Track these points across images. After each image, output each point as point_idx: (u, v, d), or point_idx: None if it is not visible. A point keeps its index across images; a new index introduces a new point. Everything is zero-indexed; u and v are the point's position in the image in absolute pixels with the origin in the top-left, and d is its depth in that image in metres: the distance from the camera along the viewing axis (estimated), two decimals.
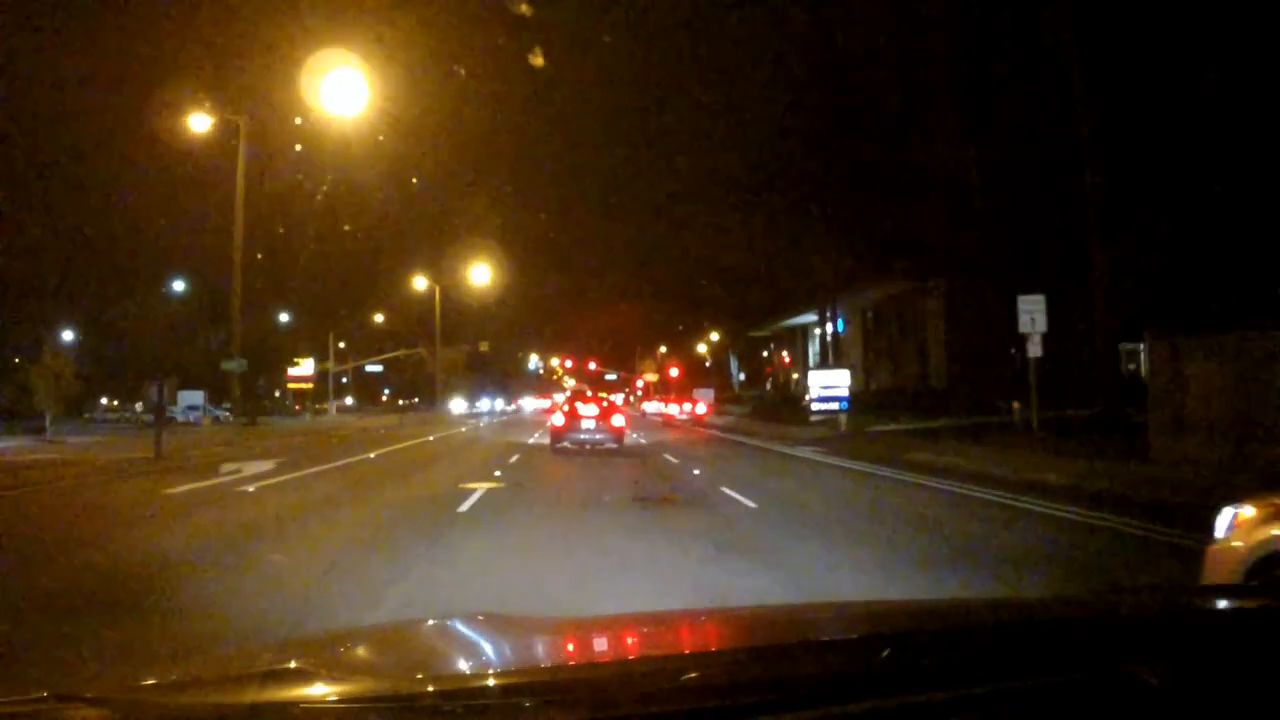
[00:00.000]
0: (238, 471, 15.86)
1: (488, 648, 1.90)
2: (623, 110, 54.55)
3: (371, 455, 20.27)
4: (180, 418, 52.86)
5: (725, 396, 57.66)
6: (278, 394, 66.78)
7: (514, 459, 18.73)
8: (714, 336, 69.89)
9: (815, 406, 35.63)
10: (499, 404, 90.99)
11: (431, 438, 28.51)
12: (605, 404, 23.58)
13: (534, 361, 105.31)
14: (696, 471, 16.32)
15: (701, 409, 56.64)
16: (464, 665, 1.76)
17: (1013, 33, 29.68)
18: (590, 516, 10.12)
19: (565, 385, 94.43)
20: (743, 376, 60.80)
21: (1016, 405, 22.05)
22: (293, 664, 1.58)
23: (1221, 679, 1.57)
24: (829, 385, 35.82)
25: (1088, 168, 23.98)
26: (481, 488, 12.54)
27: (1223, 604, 2.31)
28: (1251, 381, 13.11)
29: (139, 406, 51.81)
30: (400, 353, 60.28)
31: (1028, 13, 28.38)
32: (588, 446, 20.99)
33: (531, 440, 27.68)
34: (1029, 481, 13.19)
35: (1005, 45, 30.48)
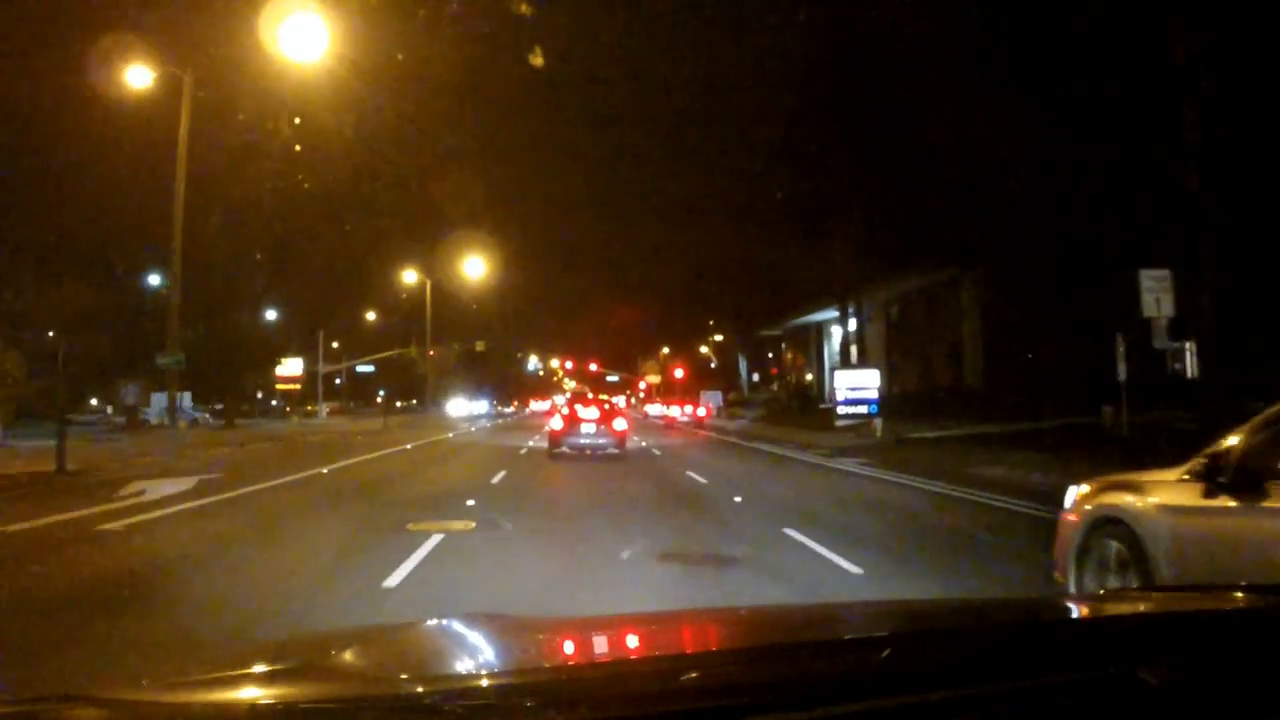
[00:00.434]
0: (141, 494, 12.17)
1: (488, 648, 1.85)
2: (628, 99, 50.55)
3: (324, 470, 16.15)
4: (154, 420, 48.59)
5: (734, 399, 53.59)
6: (258, 395, 62.48)
7: (499, 477, 14.68)
8: (718, 337, 65.88)
9: (841, 410, 31.59)
10: (497, 405, 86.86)
11: (408, 446, 24.34)
12: (607, 407, 21.81)
13: (533, 362, 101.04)
14: (738, 499, 12.03)
15: (702, 412, 53.09)
16: (464, 665, 1.73)
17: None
18: (601, 598, 5.97)
19: (565, 387, 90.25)
20: (756, 378, 56.69)
21: (1109, 410, 17.97)
22: (293, 664, 1.61)
23: (1221, 679, 1.54)
24: (856, 386, 31.85)
25: (1192, 166, 20.01)
26: (438, 534, 8.37)
27: (1223, 604, 2.13)
28: None
29: (109, 409, 47.56)
30: (392, 352, 56.07)
31: None
32: (588, 452, 19.34)
33: (527, 446, 23.92)
34: None
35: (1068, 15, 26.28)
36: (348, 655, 1.77)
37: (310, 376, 60.74)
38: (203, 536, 8.84)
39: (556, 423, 20.05)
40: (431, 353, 59.30)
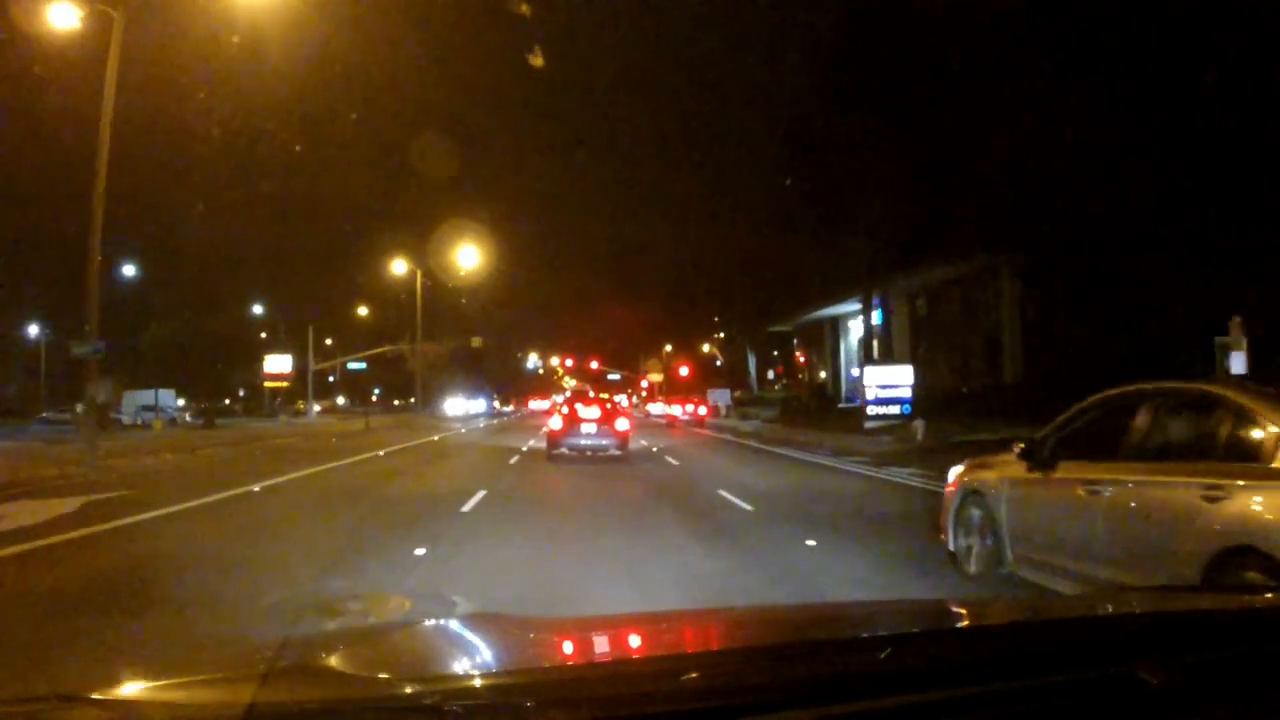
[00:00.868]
0: None
1: (488, 648, 1.79)
2: (631, 91, 46.83)
3: (256, 488, 12.49)
4: (128, 419, 44.96)
5: (743, 398, 49.91)
6: (242, 393, 58.71)
7: (474, 501, 10.97)
8: (720, 335, 62.21)
9: (872, 410, 27.98)
10: (496, 404, 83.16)
11: (381, 453, 20.59)
12: (608, 406, 20.41)
13: (533, 361, 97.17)
14: (811, 543, 7.86)
15: (703, 411, 49.94)
16: (464, 665, 1.67)
17: None
18: None
19: (565, 385, 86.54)
20: (771, 375, 53.04)
21: None
22: (292, 664, 1.53)
23: (1221, 679, 1.54)
24: (888, 384, 28.28)
25: None
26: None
27: (1223, 604, 2.17)
28: None
29: (78, 407, 43.86)
30: (383, 349, 52.33)
31: None
32: (588, 453, 18.07)
33: (521, 451, 20.60)
34: None
35: None
36: (347, 655, 1.72)
37: (301, 374, 57.04)
38: None
39: (556, 422, 18.69)
40: (425, 349, 55.61)
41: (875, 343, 34.78)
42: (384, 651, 1.80)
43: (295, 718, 1.27)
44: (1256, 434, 4.46)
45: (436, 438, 27.67)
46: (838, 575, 6.66)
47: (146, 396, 56.81)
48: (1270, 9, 18.34)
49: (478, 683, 1.45)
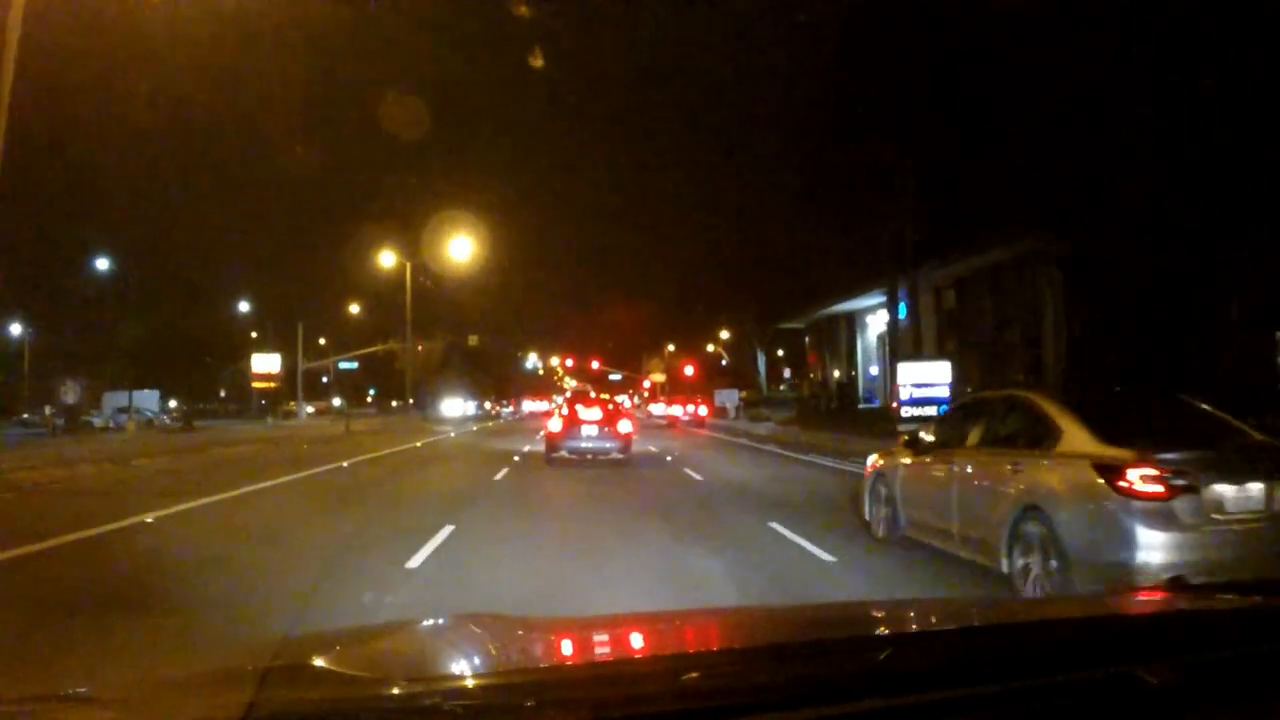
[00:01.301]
0: None
1: (488, 648, 1.78)
2: (634, 82, 43.64)
3: (149, 519, 9.18)
4: (99, 421, 41.66)
5: (752, 398, 46.63)
6: (222, 393, 55.32)
7: (438, 541, 7.68)
8: (724, 334, 58.94)
9: (906, 411, 24.63)
10: (495, 405, 79.82)
11: (345, 464, 17.20)
12: (610, 407, 18.86)
13: (533, 360, 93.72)
14: None
15: (704, 411, 46.99)
16: (464, 665, 1.65)
17: None
18: None
19: (565, 386, 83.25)
20: (788, 374, 49.72)
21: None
22: (292, 663, 1.49)
23: (1221, 679, 1.52)
24: (923, 383, 24.86)
25: None
26: None
27: (1222, 604, 2.13)
28: None
29: (47, 409, 40.54)
30: (376, 348, 49.01)
31: None
32: (589, 456, 16.97)
33: (512, 461, 17.61)
34: None
35: None
36: (347, 655, 1.71)
37: (292, 374, 53.70)
38: None
39: (555, 424, 17.37)
40: (421, 347, 52.38)
41: (899, 338, 31.56)
42: (384, 651, 1.79)
43: (295, 718, 1.25)
44: (1043, 427, 6.11)
45: (420, 444, 24.35)
46: None
47: (123, 398, 53.61)
48: None
49: (478, 683, 1.43)
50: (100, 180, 35.89)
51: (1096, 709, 1.44)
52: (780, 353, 56.27)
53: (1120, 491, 5.21)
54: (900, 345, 31.35)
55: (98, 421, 41.58)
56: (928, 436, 7.47)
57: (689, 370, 62.31)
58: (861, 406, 35.81)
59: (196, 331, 45.91)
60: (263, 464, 16.84)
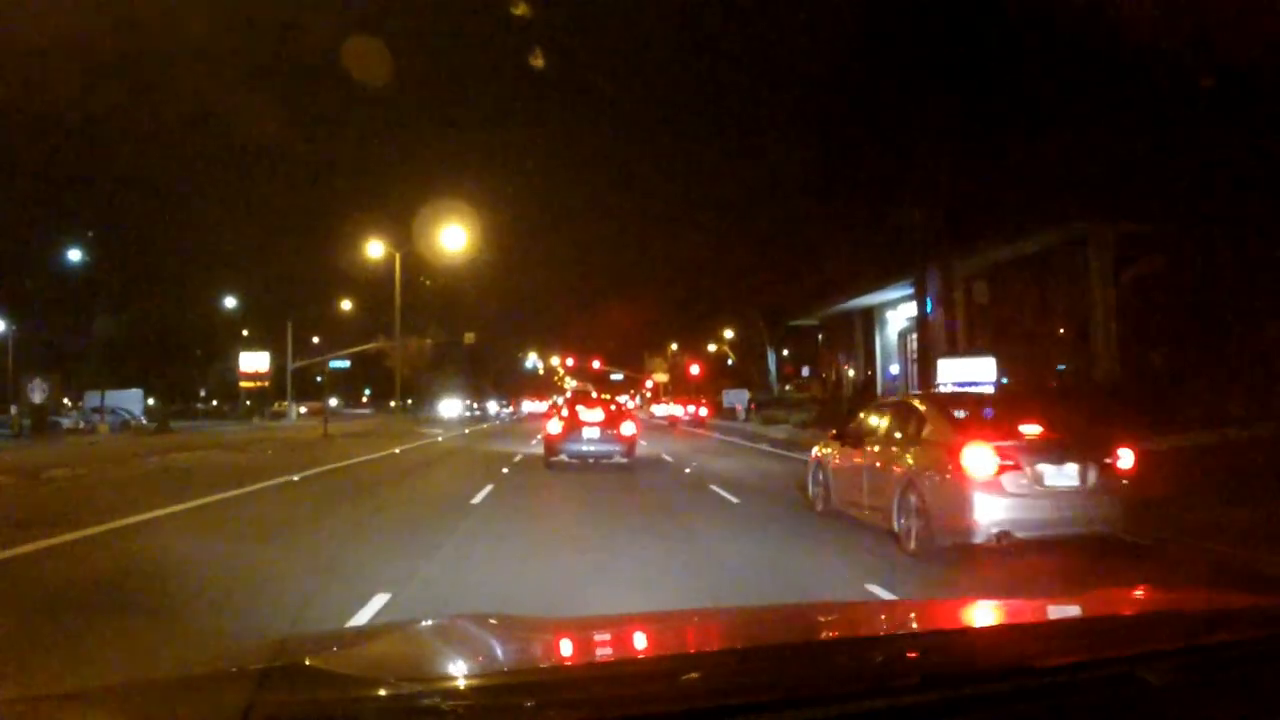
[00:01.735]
0: None
1: (488, 648, 1.74)
2: (637, 70, 40.62)
3: None
4: (69, 422, 38.65)
5: (763, 399, 43.56)
6: (203, 393, 52.18)
7: (369, 612, 4.58)
8: (728, 334, 55.90)
9: None
10: (492, 406, 76.80)
11: (296, 478, 13.97)
12: (613, 407, 17.43)
13: (532, 359, 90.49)
14: None
15: (704, 412, 44.83)
16: (464, 665, 1.59)
17: None
18: None
19: (566, 386, 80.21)
20: (806, 372, 46.64)
21: None
22: (291, 663, 1.45)
23: (1221, 679, 1.51)
24: (966, 381, 21.91)
25: None
26: None
27: (1222, 604, 2.13)
28: None
29: (13, 409, 37.49)
30: (369, 346, 45.95)
31: None
32: (590, 460, 16.10)
33: (504, 471, 14.97)
34: None
35: None
36: (347, 655, 1.69)
37: (280, 372, 50.66)
38: None
39: (554, 426, 16.16)
40: (413, 346, 49.39)
41: (929, 333, 28.55)
42: (384, 651, 1.75)
43: (295, 718, 1.23)
44: (918, 423, 7.92)
45: (399, 449, 21.25)
46: None
47: (114, 397, 50.64)
48: None
49: (478, 683, 1.40)
50: (80, 169, 33.01)
51: (1097, 709, 1.42)
52: (785, 352, 53.15)
53: (963, 469, 6.89)
54: (931, 342, 28.37)
55: (67, 422, 38.57)
56: (848, 429, 9.72)
57: (695, 370, 59.19)
58: None
59: (184, 329, 42.83)
60: (199, 477, 13.86)
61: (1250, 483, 10.05)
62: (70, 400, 49.96)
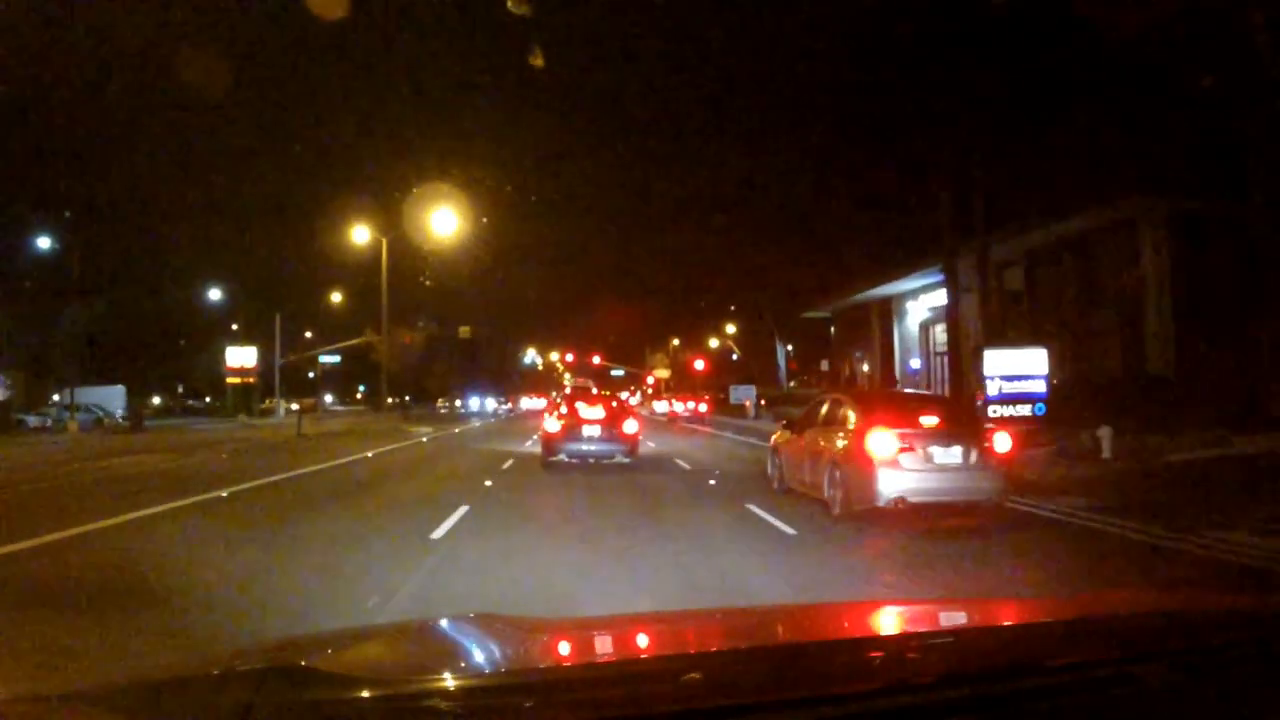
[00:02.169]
0: None
1: (488, 648, 1.72)
2: (649, 25, 37.90)
3: None
4: (35, 421, 36.05)
5: (772, 395, 40.92)
6: (180, 390, 49.39)
7: None
8: (730, 328, 53.25)
9: (994, 411, 19.05)
10: (490, 403, 74.13)
11: (225, 493, 11.07)
12: (614, 404, 16.26)
13: (531, 355, 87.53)
14: None
15: (704, 408, 42.52)
16: (464, 665, 1.59)
17: None
18: None
19: (565, 382, 77.49)
20: (825, 366, 43.93)
21: None
22: (291, 663, 1.44)
23: (1221, 679, 1.49)
24: (1015, 375, 19.35)
25: None
26: None
27: (1222, 604, 2.15)
28: None
29: None
30: (357, 340, 43.25)
31: None
32: (590, 460, 14.84)
33: (488, 484, 12.32)
34: None
35: None
36: (347, 655, 1.66)
37: (269, 368, 47.93)
38: None
39: (552, 424, 15.19)
40: (408, 339, 46.80)
41: (950, 323, 25.94)
42: (384, 651, 1.73)
43: (295, 718, 1.22)
44: (844, 414, 9.73)
45: (370, 454, 18.39)
46: None
47: (96, 394, 48.01)
48: None
49: (478, 683, 1.40)
50: (50, 146, 30.38)
51: (1096, 709, 1.40)
52: (789, 348, 50.37)
53: (870, 451, 8.71)
54: (963, 332, 25.73)
55: (34, 421, 35.89)
56: (796, 419, 12.04)
57: (699, 365, 56.52)
58: None
59: (164, 320, 40.07)
60: (105, 492, 11.23)
61: None
62: (57, 397, 47.39)
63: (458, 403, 65.38)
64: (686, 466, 15.93)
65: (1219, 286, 20.94)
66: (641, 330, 72.12)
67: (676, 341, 70.23)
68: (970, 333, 26.54)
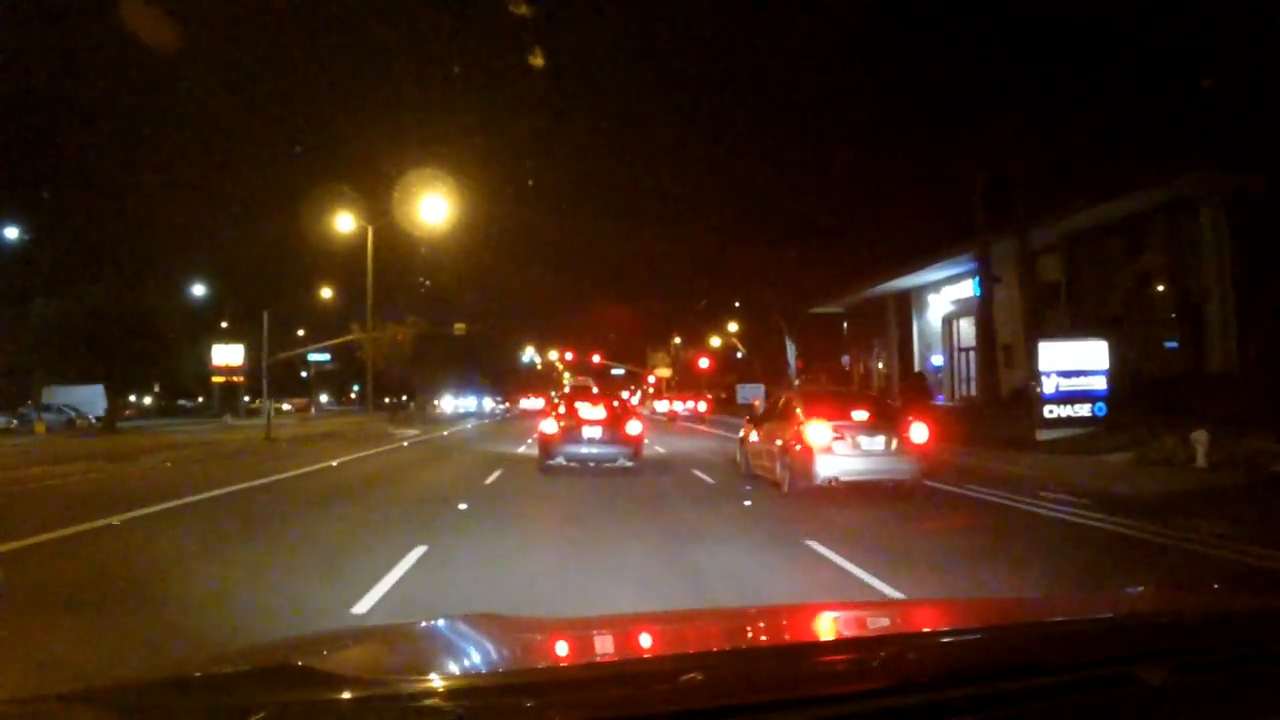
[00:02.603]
0: None
1: (487, 648, 1.68)
2: (652, 12, 35.44)
3: None
4: (1, 422, 33.69)
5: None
6: (167, 389, 46.94)
7: None
8: (733, 326, 50.88)
9: (1050, 412, 16.72)
10: (487, 402, 71.70)
11: (122, 520, 8.61)
12: (615, 404, 15.01)
13: (529, 354, 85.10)
14: None
15: (703, 407, 41.54)
16: (464, 665, 1.55)
17: None
18: None
19: (564, 381, 75.03)
20: (845, 360, 41.54)
21: None
22: (291, 663, 1.43)
23: (1221, 679, 1.46)
24: (1073, 370, 17.07)
25: None
26: None
27: (1223, 604, 2.10)
28: None
29: None
30: (345, 338, 40.82)
31: None
32: (591, 464, 13.87)
33: (466, 504, 9.67)
34: None
35: None
36: (347, 655, 1.64)
37: (256, 366, 45.43)
38: None
39: (550, 426, 13.93)
40: (400, 337, 44.45)
41: (981, 316, 23.54)
42: (384, 651, 1.73)
43: (295, 718, 1.20)
44: (793, 410, 11.17)
45: (335, 463, 15.77)
46: None
47: (74, 393, 45.63)
48: None
49: (478, 683, 1.39)
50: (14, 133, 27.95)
51: (1096, 709, 1.39)
52: (790, 347, 47.99)
53: (808, 439, 10.35)
54: (993, 325, 23.36)
55: (0, 421, 33.48)
56: (759, 413, 14.29)
57: (704, 363, 54.09)
58: (943, 403, 27.75)
59: (142, 316, 37.60)
60: (30, 506, 8.86)
61: None
62: (46, 397, 44.97)
63: (453, 402, 62.98)
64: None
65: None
66: (642, 329, 69.83)
67: (678, 340, 67.88)
68: (999, 327, 24.22)
